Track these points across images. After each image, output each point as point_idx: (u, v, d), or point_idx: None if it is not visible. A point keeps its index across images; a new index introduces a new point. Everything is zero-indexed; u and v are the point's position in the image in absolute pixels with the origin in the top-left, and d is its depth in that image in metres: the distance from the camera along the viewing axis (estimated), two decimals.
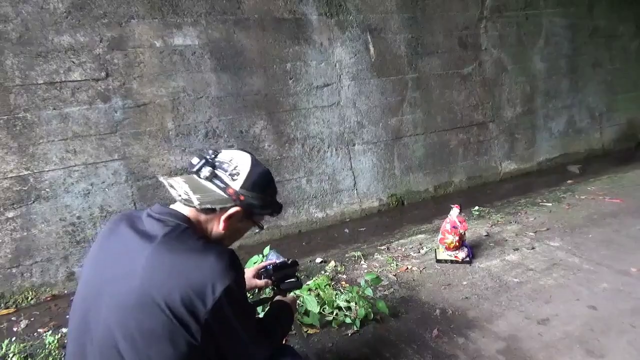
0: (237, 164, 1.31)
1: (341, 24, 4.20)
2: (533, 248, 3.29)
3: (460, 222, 3.09)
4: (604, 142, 6.27)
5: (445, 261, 3.14)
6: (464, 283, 2.88)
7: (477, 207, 4.17)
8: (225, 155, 1.33)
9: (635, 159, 5.80)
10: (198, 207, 1.24)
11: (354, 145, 4.38)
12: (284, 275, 1.85)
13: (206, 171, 1.28)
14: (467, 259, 3.12)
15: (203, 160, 1.29)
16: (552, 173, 5.47)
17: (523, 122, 5.49)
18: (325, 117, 4.22)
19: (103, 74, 3.28)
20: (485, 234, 3.61)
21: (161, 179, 1.32)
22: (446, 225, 3.12)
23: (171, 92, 3.53)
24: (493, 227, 3.76)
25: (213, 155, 1.33)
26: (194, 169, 1.30)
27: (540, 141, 5.67)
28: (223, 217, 1.30)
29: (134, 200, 3.43)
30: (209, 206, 1.25)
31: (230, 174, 1.29)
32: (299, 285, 1.95)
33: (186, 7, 3.53)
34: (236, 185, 1.29)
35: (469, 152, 5.10)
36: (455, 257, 3.12)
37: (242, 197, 1.29)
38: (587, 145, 6.11)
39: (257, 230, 1.44)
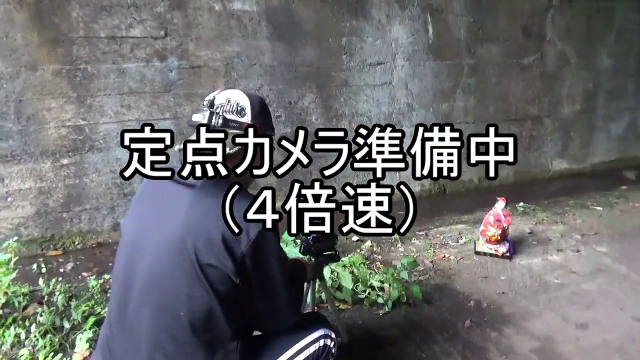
0: (236, 101, 1.37)
1: (402, 1, 4.07)
2: (578, 251, 3.18)
3: (505, 215, 3.01)
4: None
5: (485, 254, 3.07)
6: (502, 278, 2.82)
7: (522, 203, 4.04)
8: (220, 99, 1.38)
9: None
10: (232, 152, 1.30)
11: (401, 127, 4.31)
12: (323, 247, 1.88)
13: (219, 119, 1.34)
14: (508, 254, 3.04)
15: (208, 112, 1.34)
16: (605, 177, 5.20)
17: (580, 120, 5.23)
18: (375, 96, 4.15)
19: (162, 32, 3.33)
20: (529, 231, 3.51)
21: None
22: (489, 217, 3.04)
23: (225, 56, 3.54)
24: (537, 225, 3.64)
25: (210, 105, 1.36)
26: (205, 123, 1.33)
27: (596, 142, 5.40)
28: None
29: (180, 161, 3.50)
30: (236, 149, 1.32)
31: (237, 112, 1.36)
32: (337, 258, 1.96)
33: None
34: (247, 119, 1.37)
35: (520, 146, 4.87)
36: (496, 250, 3.05)
37: (257, 126, 1.37)
38: None
39: None
